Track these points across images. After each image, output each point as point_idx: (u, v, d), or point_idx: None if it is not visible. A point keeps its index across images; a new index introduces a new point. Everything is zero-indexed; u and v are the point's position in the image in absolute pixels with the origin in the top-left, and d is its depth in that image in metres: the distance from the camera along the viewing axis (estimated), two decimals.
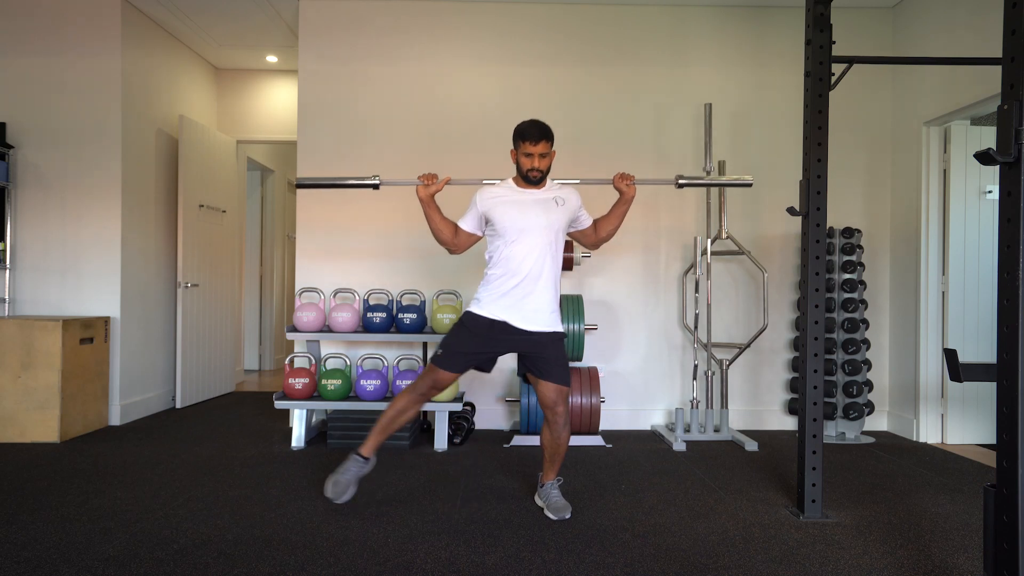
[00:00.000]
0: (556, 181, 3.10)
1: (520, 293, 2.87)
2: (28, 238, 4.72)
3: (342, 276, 4.80)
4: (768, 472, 3.73)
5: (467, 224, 3.01)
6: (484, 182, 3.13)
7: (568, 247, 4.37)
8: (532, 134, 2.88)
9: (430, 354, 4.60)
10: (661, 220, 4.87)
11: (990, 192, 4.49)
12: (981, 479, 3.63)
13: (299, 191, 4.89)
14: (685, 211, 4.88)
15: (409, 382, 4.10)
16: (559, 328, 2.97)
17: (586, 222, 3.10)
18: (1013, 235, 1.73)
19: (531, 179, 2.94)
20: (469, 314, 2.94)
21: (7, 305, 4.66)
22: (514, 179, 3.02)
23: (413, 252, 4.82)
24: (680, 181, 3.25)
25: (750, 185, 3.32)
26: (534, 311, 2.88)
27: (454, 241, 3.03)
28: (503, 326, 2.88)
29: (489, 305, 2.90)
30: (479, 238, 3.06)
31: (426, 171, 4.72)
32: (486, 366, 3.04)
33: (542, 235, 2.88)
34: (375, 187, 3.19)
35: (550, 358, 2.91)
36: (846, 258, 4.55)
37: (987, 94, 3.94)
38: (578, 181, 3.28)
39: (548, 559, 2.49)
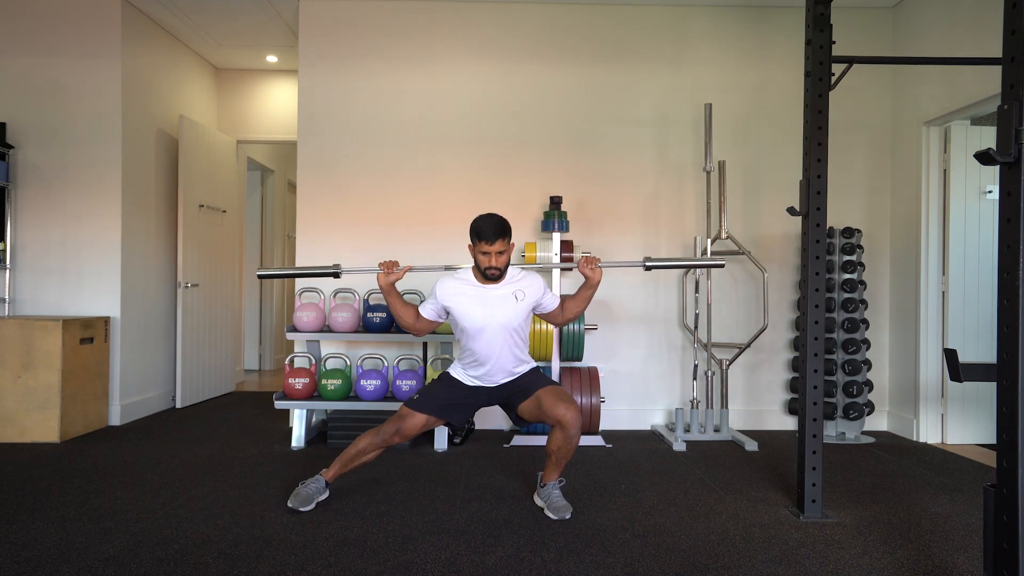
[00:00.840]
0: (518, 268, 3.11)
1: (486, 373, 3.04)
2: (28, 238, 4.72)
3: (342, 276, 4.79)
4: (768, 472, 3.73)
5: (427, 312, 3.09)
6: (445, 269, 3.20)
7: (567, 247, 4.36)
8: (488, 233, 2.87)
9: (430, 354, 4.60)
10: (661, 220, 4.87)
11: (990, 192, 4.49)
12: (981, 479, 3.63)
13: (299, 191, 4.89)
14: (685, 211, 4.88)
15: (409, 382, 4.12)
16: (528, 368, 3.12)
17: (551, 305, 3.11)
18: (1013, 235, 1.73)
19: (490, 276, 2.95)
20: (448, 374, 3.14)
21: (7, 305, 4.66)
22: (473, 270, 3.05)
23: (413, 252, 4.82)
24: (648, 264, 3.11)
25: (722, 266, 3.25)
26: (503, 379, 3.07)
27: (415, 326, 3.12)
28: (479, 388, 3.08)
29: (465, 377, 3.10)
30: (439, 323, 3.15)
31: (435, 179, 4.79)
32: (459, 417, 3.10)
33: (501, 330, 2.97)
34: (336, 275, 3.16)
35: (525, 382, 3.04)
36: (846, 258, 4.55)
37: (987, 94, 3.94)
38: (537, 267, 3.39)
39: (548, 559, 2.50)
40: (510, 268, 3.04)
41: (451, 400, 3.05)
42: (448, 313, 3.05)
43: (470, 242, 2.96)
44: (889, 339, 4.91)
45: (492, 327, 2.95)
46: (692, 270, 4.71)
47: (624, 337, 4.89)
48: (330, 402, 4.17)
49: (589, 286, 3.04)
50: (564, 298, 3.16)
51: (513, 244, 2.99)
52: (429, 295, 3.09)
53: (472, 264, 3.05)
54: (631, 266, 3.33)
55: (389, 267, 3.02)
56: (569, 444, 2.95)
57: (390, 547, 2.59)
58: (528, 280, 3.05)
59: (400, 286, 4.36)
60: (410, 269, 3.11)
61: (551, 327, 4.24)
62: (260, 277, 3.24)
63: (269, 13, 5.07)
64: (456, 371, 3.13)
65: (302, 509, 2.94)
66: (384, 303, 4.43)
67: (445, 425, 3.21)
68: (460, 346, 3.11)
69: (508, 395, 3.06)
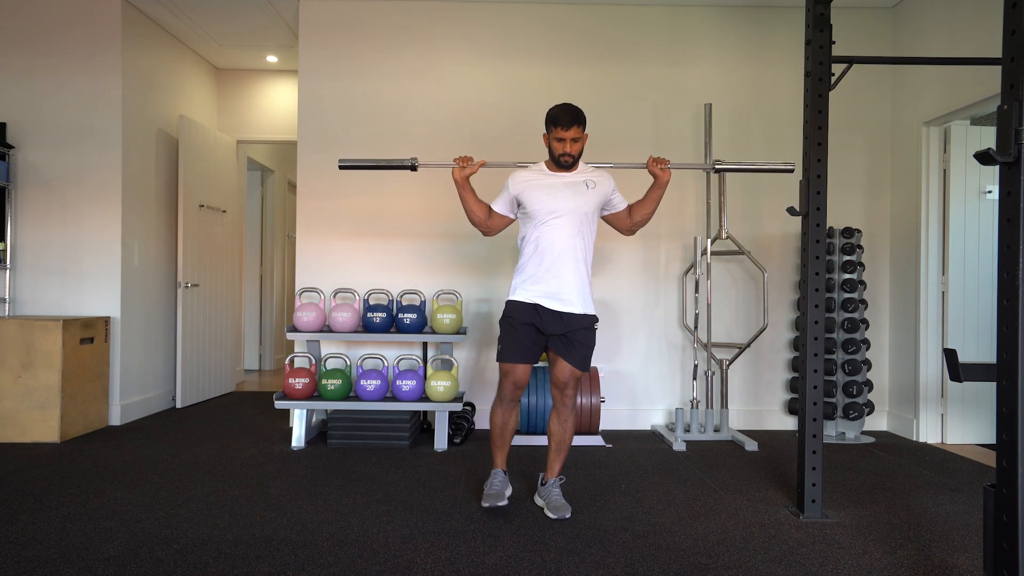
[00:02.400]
0: (590, 165, 3.11)
1: (551, 275, 2.93)
2: (28, 238, 4.72)
3: (342, 276, 4.80)
4: (768, 472, 3.73)
5: (499, 207, 3.08)
6: (517, 165, 3.16)
7: None
8: (564, 120, 2.91)
9: (430, 354, 4.60)
10: (661, 220, 4.86)
11: (990, 192, 4.49)
12: (981, 479, 3.63)
13: (299, 190, 4.89)
14: (685, 211, 4.88)
15: (409, 382, 4.12)
16: (591, 311, 3.01)
17: (620, 205, 3.11)
18: (1013, 235, 1.73)
19: (563, 163, 2.98)
20: (510, 303, 3.02)
21: (7, 305, 4.66)
22: (546, 162, 3.07)
23: (413, 252, 4.82)
24: (717, 166, 3.20)
25: (791, 171, 3.23)
26: (565, 292, 2.93)
27: (488, 223, 3.10)
28: (540, 309, 2.94)
29: (524, 291, 2.97)
30: (511, 220, 3.13)
31: (435, 179, 4.79)
32: (536, 357, 3.02)
33: (571, 217, 2.93)
34: (413, 168, 3.24)
35: (576, 341, 2.97)
36: (846, 258, 4.55)
37: (987, 94, 3.94)
38: (611, 165, 3.26)
39: (548, 559, 2.49)
40: (581, 162, 3.04)
41: (526, 340, 2.95)
42: (519, 204, 3.01)
43: (544, 131, 2.99)
44: (889, 339, 4.91)
45: (564, 212, 2.92)
46: (692, 269, 4.71)
47: (624, 337, 4.89)
48: (330, 402, 4.17)
49: (658, 186, 3.03)
50: (632, 204, 3.13)
51: (587, 136, 3.01)
52: (501, 190, 3.07)
53: (544, 159, 3.07)
54: (699, 168, 3.41)
55: (464, 161, 3.03)
56: (563, 427, 3.04)
57: (390, 547, 2.59)
58: (600, 173, 3.06)
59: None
60: (484, 163, 3.11)
61: None
62: (342, 166, 3.32)
63: (269, 13, 5.07)
64: (513, 292, 2.99)
65: (499, 504, 2.98)
66: (383, 303, 4.43)
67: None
68: (524, 245, 3.00)
69: (559, 332, 2.93)
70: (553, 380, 3.03)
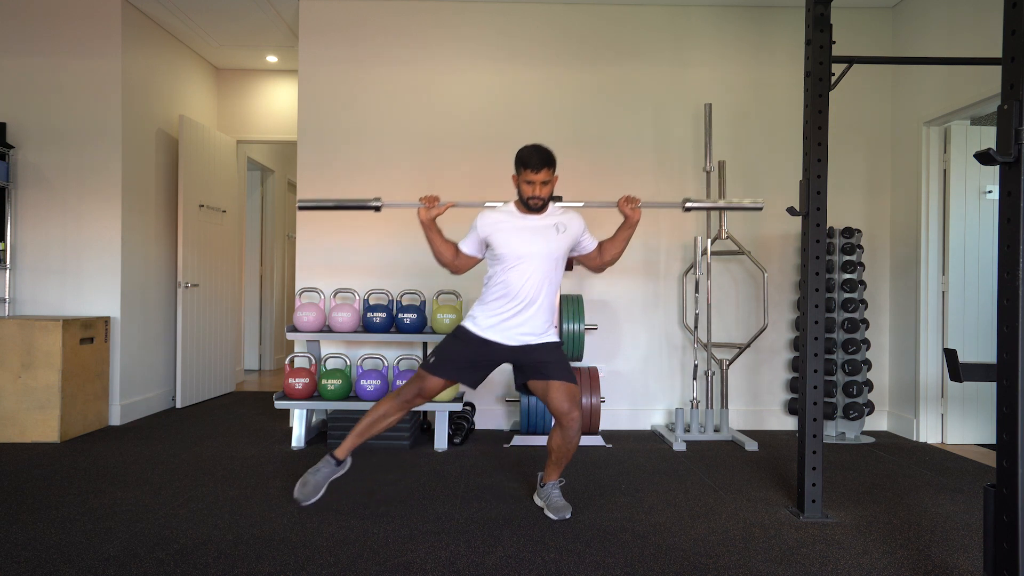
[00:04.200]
0: (559, 205, 3.06)
1: (515, 319, 2.88)
2: (28, 238, 4.72)
3: (342, 276, 4.79)
4: (768, 472, 3.73)
5: (467, 247, 3.00)
6: (486, 205, 3.11)
7: None
8: (533, 162, 2.84)
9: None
10: (661, 220, 4.87)
11: (990, 192, 4.49)
12: (981, 479, 3.63)
13: (299, 190, 4.88)
14: None
15: None
16: (554, 339, 2.97)
17: (590, 246, 3.07)
18: (1013, 235, 1.73)
19: (532, 207, 2.91)
20: (463, 328, 2.96)
21: (7, 305, 4.66)
22: (516, 203, 2.99)
23: (414, 252, 4.82)
24: (687, 204, 3.15)
25: (760, 208, 3.21)
26: (527, 334, 2.90)
27: (455, 263, 3.01)
28: (492, 344, 2.90)
29: (483, 324, 2.91)
30: (479, 260, 3.05)
31: (435, 179, 4.79)
32: (476, 378, 2.99)
33: (541, 263, 2.88)
34: (376, 209, 3.14)
35: (547, 359, 2.89)
36: (846, 258, 4.55)
37: (987, 94, 3.94)
38: (582, 204, 3.27)
39: (548, 559, 2.49)
40: (551, 204, 3.00)
41: (466, 360, 2.91)
42: (488, 246, 2.95)
43: (514, 172, 2.93)
44: (889, 339, 4.91)
45: (532, 257, 2.86)
46: (692, 269, 4.71)
47: (624, 337, 4.89)
48: (330, 402, 4.17)
49: (628, 226, 3.00)
50: (603, 242, 3.09)
51: (557, 177, 2.95)
52: (468, 230, 2.99)
53: (514, 199, 3.01)
54: (670, 207, 3.32)
55: (430, 201, 2.96)
56: (568, 444, 2.92)
57: (390, 547, 2.59)
58: (570, 215, 3.01)
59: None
60: (452, 204, 3.02)
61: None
62: (301, 207, 3.23)
63: (269, 13, 5.07)
64: (471, 322, 2.93)
65: (309, 502, 2.83)
66: (383, 303, 4.43)
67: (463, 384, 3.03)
68: (490, 284, 2.94)
69: (525, 362, 2.92)
70: (555, 410, 2.87)
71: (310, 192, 4.83)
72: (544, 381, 2.88)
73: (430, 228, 2.97)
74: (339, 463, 2.93)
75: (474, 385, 3.00)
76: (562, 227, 2.94)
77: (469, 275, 4.73)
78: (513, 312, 2.87)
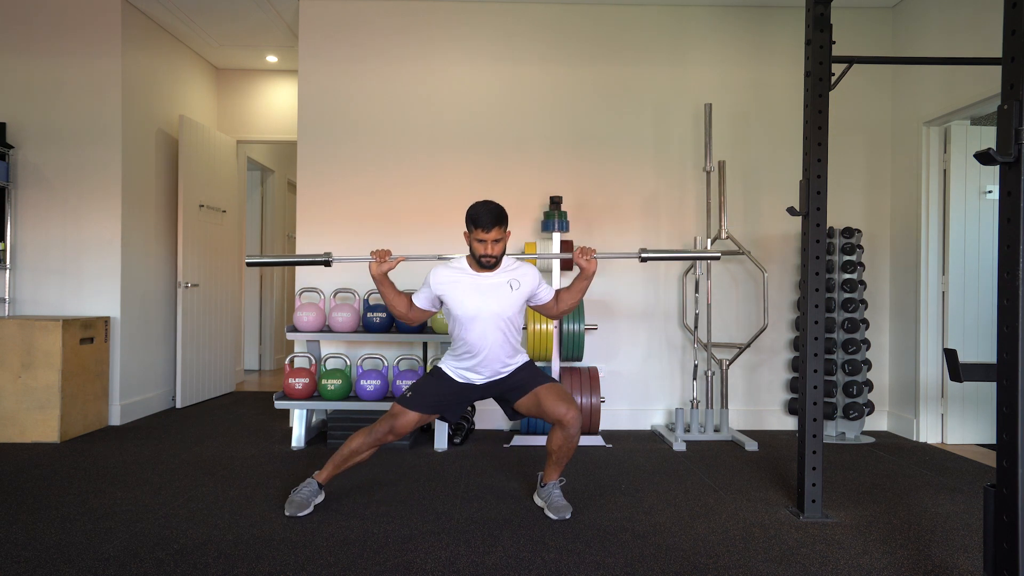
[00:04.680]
0: (514, 258, 3.05)
1: (478, 365, 2.98)
2: (28, 238, 4.72)
3: (342, 276, 4.79)
4: (768, 472, 3.73)
5: (421, 301, 3.03)
6: (439, 258, 3.14)
7: (567, 247, 4.36)
8: (484, 221, 2.81)
9: (430, 354, 4.60)
10: (661, 220, 4.87)
11: (990, 192, 4.49)
12: (981, 479, 3.63)
13: (299, 190, 4.89)
14: (685, 211, 4.88)
15: (409, 382, 4.11)
16: (524, 361, 3.08)
17: (546, 297, 3.07)
18: (1013, 235, 1.73)
19: (484, 264, 2.90)
20: (439, 369, 3.07)
21: (7, 305, 4.66)
22: (468, 259, 2.99)
23: (413, 251, 4.82)
24: (643, 256, 3.10)
25: (718, 258, 3.25)
26: (495, 373, 3.01)
27: (408, 316, 3.05)
28: (470, 385, 3.02)
29: (455, 369, 3.03)
30: (433, 313, 3.09)
31: (435, 178, 4.79)
32: (450, 414, 3.08)
33: (495, 320, 2.91)
34: (327, 264, 3.10)
35: (521, 378, 2.99)
36: (846, 258, 4.55)
37: (987, 94, 3.94)
38: (535, 256, 3.36)
39: (548, 559, 2.49)
40: (505, 257, 2.99)
41: (443, 396, 3.01)
42: (442, 303, 3.00)
43: (465, 229, 2.92)
44: (889, 339, 4.91)
45: (485, 316, 2.89)
46: (692, 269, 4.71)
47: (624, 337, 4.89)
48: (330, 402, 4.17)
49: (584, 277, 3.00)
50: (559, 291, 3.11)
51: (509, 233, 2.95)
52: (422, 284, 3.02)
53: (467, 253, 3.00)
54: (626, 257, 3.29)
55: (381, 256, 2.95)
56: (569, 443, 2.93)
57: (390, 547, 2.59)
58: (523, 270, 3.00)
59: (395, 277, 4.33)
60: (403, 259, 3.02)
61: (551, 326, 4.23)
62: (249, 264, 3.19)
63: (269, 13, 5.07)
64: (447, 365, 3.05)
65: (299, 515, 2.91)
66: (383, 303, 4.42)
67: (440, 419, 3.15)
68: (453, 336, 3.02)
69: (503, 391, 3.02)
70: (553, 416, 2.89)
71: (310, 194, 4.83)
72: (528, 395, 2.96)
73: (382, 283, 2.98)
74: (320, 487, 3.02)
75: (453, 419, 3.11)
76: (516, 283, 2.95)
77: None
78: (477, 362, 2.97)
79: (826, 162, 2.93)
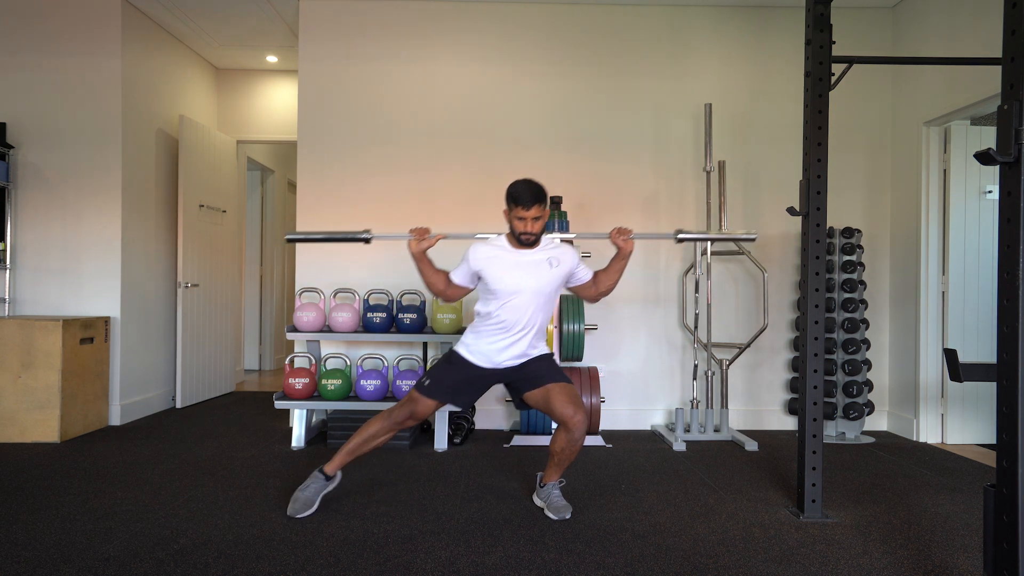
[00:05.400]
0: (553, 237, 3.06)
1: (506, 346, 2.94)
2: (28, 238, 4.72)
3: (342, 276, 4.79)
4: (768, 472, 3.73)
5: (459, 278, 3.02)
6: (477, 236, 3.12)
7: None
8: (525, 199, 2.83)
9: (430, 354, 4.60)
10: (661, 220, 4.87)
11: (990, 192, 4.49)
12: (981, 479, 3.63)
13: (299, 191, 4.89)
14: (685, 211, 4.88)
15: (409, 382, 4.11)
16: (545, 351, 3.04)
17: (585, 278, 3.05)
18: (1013, 235, 1.73)
19: (524, 242, 2.92)
20: (456, 353, 3.01)
21: (7, 305, 4.66)
22: (507, 236, 2.99)
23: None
24: (680, 236, 3.11)
25: (754, 239, 3.20)
26: (518, 356, 2.97)
27: (446, 293, 3.05)
28: (487, 369, 2.97)
29: (476, 352, 2.97)
30: (471, 290, 3.08)
31: (435, 178, 4.79)
32: (469, 400, 3.06)
33: (534, 297, 2.91)
34: (366, 241, 3.13)
35: (538, 369, 2.96)
36: (846, 258, 4.55)
37: (987, 94, 3.94)
38: (574, 236, 3.29)
39: (548, 559, 2.49)
40: (544, 237, 3.00)
41: (460, 383, 2.98)
42: (479, 279, 2.98)
43: (505, 207, 2.93)
44: (889, 339, 4.91)
45: (525, 292, 2.89)
46: (692, 269, 4.71)
47: (624, 337, 4.89)
48: (330, 402, 4.17)
49: (621, 257, 2.99)
50: (597, 272, 3.09)
51: (548, 211, 2.95)
52: (460, 260, 3.01)
53: (506, 231, 3.01)
54: (662, 238, 3.27)
55: (420, 234, 2.97)
56: (573, 447, 2.92)
57: (390, 547, 2.59)
58: (563, 249, 3.01)
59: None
60: (443, 237, 3.02)
61: (551, 326, 4.23)
62: (288, 240, 3.20)
63: (269, 13, 5.07)
64: (466, 347, 2.99)
65: (302, 515, 2.89)
66: (383, 303, 4.43)
67: (452, 406, 3.11)
68: (482, 314, 2.97)
69: (517, 379, 2.98)
70: (560, 416, 2.86)
71: (310, 193, 4.83)
72: (540, 388, 2.92)
73: (421, 260, 2.99)
74: (328, 478, 3.01)
75: (466, 407, 3.07)
76: (555, 261, 2.95)
77: None
78: (507, 343, 2.93)
79: (826, 162, 2.93)
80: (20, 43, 4.71)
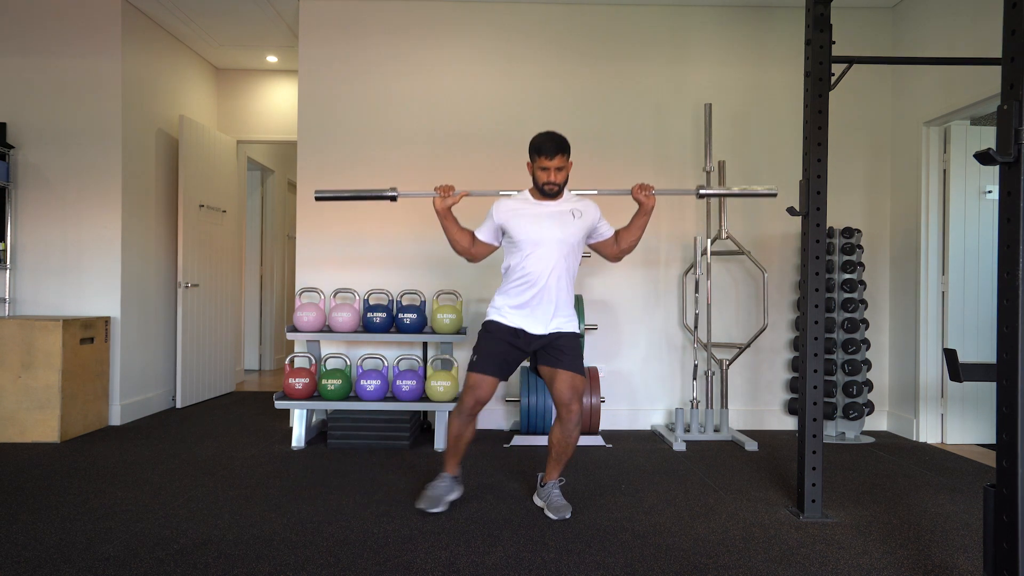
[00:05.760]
0: (575, 193, 3.08)
1: (535, 303, 2.93)
2: (28, 238, 4.72)
3: (342, 276, 4.80)
4: (768, 472, 3.73)
5: (484, 235, 3.05)
6: (501, 193, 3.13)
7: None
8: (548, 148, 2.88)
9: (430, 354, 4.60)
10: (661, 220, 4.86)
11: (990, 192, 4.49)
12: (981, 479, 3.63)
13: (299, 191, 4.88)
14: (685, 211, 4.88)
15: (409, 382, 4.12)
16: (575, 330, 3.02)
17: (607, 233, 3.08)
18: (1013, 235, 1.73)
19: (547, 192, 2.95)
20: (491, 321, 3.01)
21: (7, 305, 4.66)
22: (531, 190, 3.04)
23: (413, 252, 4.82)
24: (701, 192, 3.15)
25: (774, 195, 3.19)
26: (549, 317, 2.94)
27: (471, 251, 3.07)
28: (522, 332, 2.95)
29: (507, 314, 2.97)
30: (496, 248, 3.10)
31: (436, 179, 4.78)
32: (510, 370, 3.03)
33: (557, 248, 2.92)
34: (392, 199, 3.17)
35: (563, 347, 2.94)
36: (846, 258, 4.55)
37: (987, 94, 3.94)
38: (595, 192, 3.24)
39: (548, 559, 2.49)
40: (566, 190, 3.02)
41: (503, 354, 2.96)
42: (504, 233, 2.99)
43: (528, 160, 2.96)
44: (889, 339, 4.91)
45: (549, 242, 2.90)
46: (692, 269, 4.71)
47: (624, 337, 4.89)
48: (330, 402, 4.17)
49: (643, 213, 3.00)
50: (618, 230, 3.10)
51: (571, 163, 2.98)
52: (485, 218, 3.04)
53: (529, 186, 3.04)
54: (684, 194, 3.30)
55: (445, 191, 2.99)
56: (567, 438, 2.97)
57: (390, 547, 2.59)
58: (586, 202, 3.04)
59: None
60: (467, 194, 3.05)
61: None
62: (318, 198, 3.21)
63: (269, 13, 5.07)
64: (496, 312, 2.99)
65: (432, 510, 2.92)
66: (383, 303, 4.43)
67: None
68: (507, 270, 3.00)
69: (544, 347, 2.97)
70: (556, 399, 2.95)
71: (310, 194, 4.82)
72: (553, 369, 2.94)
73: (446, 217, 3.01)
74: (455, 479, 3.06)
75: (506, 377, 3.03)
76: (578, 213, 2.98)
77: (469, 275, 4.77)
78: (533, 297, 2.91)
79: (826, 162, 2.93)
80: (20, 43, 4.71)
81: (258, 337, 7.59)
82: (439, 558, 2.49)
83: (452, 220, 3.03)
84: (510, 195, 3.07)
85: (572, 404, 2.91)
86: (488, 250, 3.09)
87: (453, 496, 3.06)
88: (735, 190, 3.28)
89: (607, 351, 4.86)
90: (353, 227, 4.84)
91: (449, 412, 3.04)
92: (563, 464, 3.05)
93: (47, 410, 4.21)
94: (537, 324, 2.94)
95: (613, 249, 3.10)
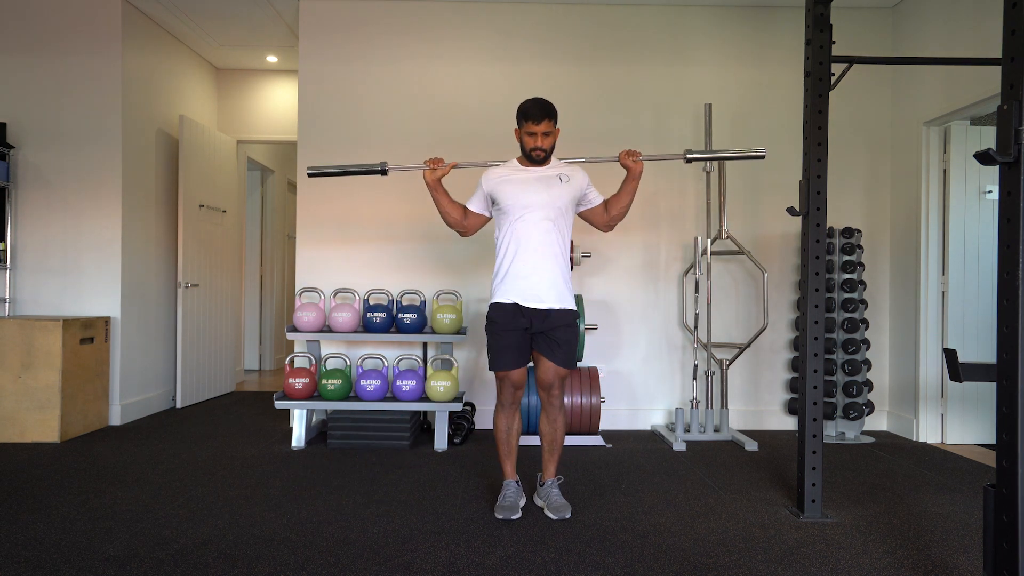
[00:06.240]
0: (562, 160, 3.09)
1: (527, 270, 2.89)
2: (28, 238, 4.72)
3: (342, 276, 4.80)
4: (768, 472, 3.73)
5: (475, 205, 3.07)
6: (490, 164, 3.14)
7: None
8: (534, 113, 2.91)
9: (430, 354, 4.60)
10: (661, 220, 4.87)
11: (990, 192, 4.49)
12: (981, 479, 3.63)
13: (298, 190, 4.88)
14: (685, 211, 4.88)
15: (409, 382, 4.12)
16: (569, 306, 2.96)
17: (595, 200, 3.08)
18: (1013, 235, 1.73)
19: (534, 158, 2.96)
20: (492, 307, 2.98)
21: (7, 305, 4.66)
22: (518, 159, 3.06)
23: (413, 252, 4.82)
24: (688, 156, 3.12)
25: (763, 157, 3.15)
26: (543, 287, 2.89)
27: (464, 223, 3.08)
28: (522, 309, 2.90)
29: (504, 292, 2.93)
30: (487, 219, 3.11)
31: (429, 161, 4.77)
32: (528, 354, 2.99)
33: (546, 211, 2.91)
34: (383, 173, 3.19)
35: (559, 339, 2.93)
36: (846, 258, 4.55)
37: (987, 94, 3.94)
38: (583, 159, 3.21)
39: (548, 559, 2.49)
40: (554, 157, 3.04)
41: (514, 344, 2.92)
42: (494, 202, 2.99)
43: (516, 126, 2.99)
44: (889, 339, 4.91)
45: (538, 206, 2.89)
46: (692, 269, 4.71)
47: (624, 337, 4.89)
48: (330, 402, 4.17)
49: (631, 178, 3.00)
50: (607, 199, 3.09)
51: (558, 130, 2.99)
52: (475, 189, 3.06)
53: (516, 156, 3.07)
54: (672, 159, 3.27)
55: (435, 163, 3.01)
56: (553, 425, 3.03)
57: (390, 547, 2.59)
58: (574, 168, 3.05)
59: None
60: (456, 165, 3.08)
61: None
62: (310, 174, 3.23)
63: (269, 13, 5.07)
64: (493, 296, 2.96)
65: (513, 517, 2.90)
66: (383, 303, 4.43)
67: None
68: (500, 242, 2.96)
69: (543, 332, 2.91)
70: (538, 382, 3.01)
71: (310, 194, 4.83)
72: (544, 355, 2.94)
73: (436, 189, 3.03)
74: (517, 483, 3.06)
75: (526, 362, 3.00)
76: (565, 177, 2.98)
77: (469, 276, 4.77)
78: (525, 264, 2.88)
79: (826, 162, 2.93)
80: (20, 43, 4.71)
81: (258, 337, 7.59)
82: (439, 558, 2.49)
83: (443, 192, 3.04)
84: (497, 165, 3.09)
85: (553, 389, 2.97)
86: (480, 221, 3.09)
87: (523, 501, 3.05)
88: (721, 153, 3.25)
89: (607, 351, 4.86)
90: (353, 227, 4.84)
91: (492, 415, 3.03)
92: (557, 456, 3.06)
93: (47, 410, 4.21)
94: (532, 295, 2.88)
95: (603, 217, 3.10)
